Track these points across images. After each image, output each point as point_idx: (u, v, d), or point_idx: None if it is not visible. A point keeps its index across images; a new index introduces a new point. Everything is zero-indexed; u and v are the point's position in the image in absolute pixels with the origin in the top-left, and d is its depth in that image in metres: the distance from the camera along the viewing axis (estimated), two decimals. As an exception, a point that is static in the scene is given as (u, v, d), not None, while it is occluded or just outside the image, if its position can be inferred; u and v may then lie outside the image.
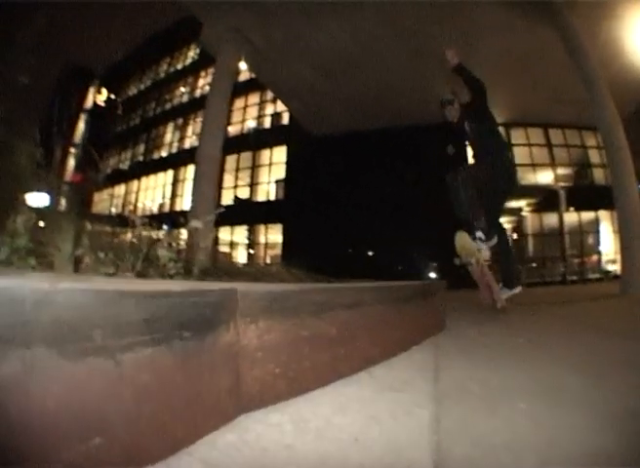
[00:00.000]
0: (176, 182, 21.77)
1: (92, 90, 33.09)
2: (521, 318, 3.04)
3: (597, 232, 14.25)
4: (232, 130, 20.56)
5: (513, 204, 14.17)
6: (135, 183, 24.63)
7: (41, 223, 1.60)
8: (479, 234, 2.56)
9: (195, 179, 8.77)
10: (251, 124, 20.49)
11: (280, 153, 19.30)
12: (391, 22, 8.43)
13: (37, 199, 1.80)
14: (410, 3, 7.94)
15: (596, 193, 12.40)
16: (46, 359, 0.51)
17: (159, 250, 1.70)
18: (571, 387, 1.14)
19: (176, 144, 22.97)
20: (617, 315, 3.54)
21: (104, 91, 32.20)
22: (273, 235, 19.36)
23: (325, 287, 1.51)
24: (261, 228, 19.84)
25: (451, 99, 2.75)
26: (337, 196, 16.17)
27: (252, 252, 19.75)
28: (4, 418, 0.45)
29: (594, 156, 14.08)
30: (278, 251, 18.58)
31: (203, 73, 22.20)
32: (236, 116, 20.53)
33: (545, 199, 13.79)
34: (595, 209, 13.82)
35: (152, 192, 23.50)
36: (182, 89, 24.11)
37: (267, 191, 19.74)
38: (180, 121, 23.15)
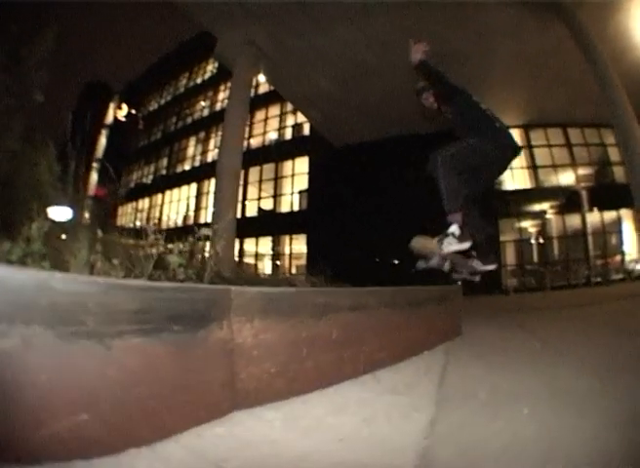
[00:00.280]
0: (200, 195, 22.58)
1: (112, 105, 35.12)
2: (542, 322, 2.93)
3: (620, 232, 13.98)
4: (254, 142, 21.17)
5: (536, 207, 14.06)
6: (159, 197, 25.78)
7: (63, 236, 1.76)
8: (453, 229, 2.11)
9: (216, 192, 9.07)
10: (272, 136, 21.02)
11: (302, 164, 19.61)
12: (404, 28, 8.55)
13: (61, 212, 1.97)
14: (420, 7, 8.04)
15: (617, 192, 12.28)
16: (42, 337, 0.59)
17: (169, 256, 1.80)
18: (579, 392, 1.11)
19: (198, 158, 23.88)
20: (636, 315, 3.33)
21: (125, 106, 33.96)
22: (298, 245, 19.55)
23: (326, 289, 1.54)
24: (286, 239, 20.10)
25: (424, 86, 2.64)
26: (360, 205, 16.17)
27: (277, 262, 20.00)
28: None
29: (614, 154, 13.95)
30: (303, 261, 18.72)
31: (222, 87, 23.11)
32: (257, 128, 21.13)
33: (568, 200, 13.69)
34: (617, 208, 13.62)
35: (177, 205, 24.45)
36: (203, 103, 25.13)
37: (291, 202, 20.04)
38: (202, 135, 24.11)
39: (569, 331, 2.45)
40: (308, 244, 18.92)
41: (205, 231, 2.14)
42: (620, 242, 13.91)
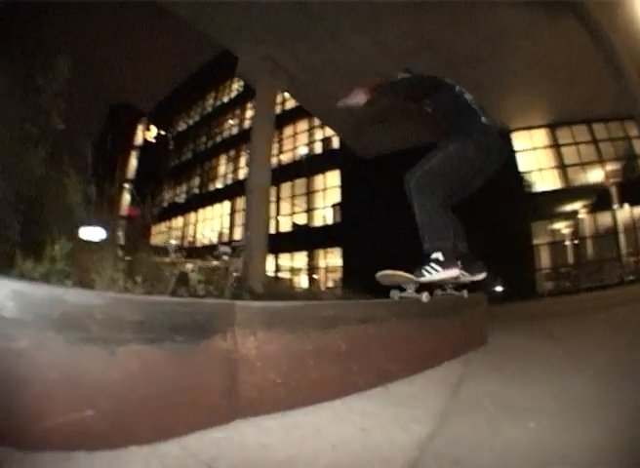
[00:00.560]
0: (233, 213, 23.48)
1: (140, 127, 37.11)
2: (571, 329, 2.78)
3: (651, 227, 13.18)
4: (285, 158, 21.81)
5: (568, 207, 13.77)
6: (192, 215, 27.08)
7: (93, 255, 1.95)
8: (436, 255, 1.89)
9: (247, 209, 9.43)
10: (302, 150, 21.53)
11: (334, 177, 19.87)
12: (416, 35, 8.69)
13: (93, 233, 2.18)
14: (432, 12, 8.11)
15: (645, 185, 11.94)
16: (53, 341, 0.71)
17: (190, 273, 1.95)
18: (593, 403, 1.07)
19: (230, 176, 24.96)
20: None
21: (153, 127, 35.88)
22: (333, 259, 19.64)
23: (334, 302, 1.60)
24: (320, 253, 20.27)
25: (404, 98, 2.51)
26: (394, 216, 16.05)
27: (313, 276, 20.16)
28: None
29: (638, 147, 13.31)
30: (339, 274, 18.75)
31: (249, 104, 24.13)
32: (287, 144, 21.80)
33: (598, 198, 13.19)
34: (647, 202, 12.90)
35: (210, 223, 25.55)
36: (231, 121, 26.32)
37: (324, 216, 20.29)
38: (232, 153, 25.22)
39: (596, 336, 2.32)
40: (343, 257, 18.94)
41: (224, 249, 2.29)
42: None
